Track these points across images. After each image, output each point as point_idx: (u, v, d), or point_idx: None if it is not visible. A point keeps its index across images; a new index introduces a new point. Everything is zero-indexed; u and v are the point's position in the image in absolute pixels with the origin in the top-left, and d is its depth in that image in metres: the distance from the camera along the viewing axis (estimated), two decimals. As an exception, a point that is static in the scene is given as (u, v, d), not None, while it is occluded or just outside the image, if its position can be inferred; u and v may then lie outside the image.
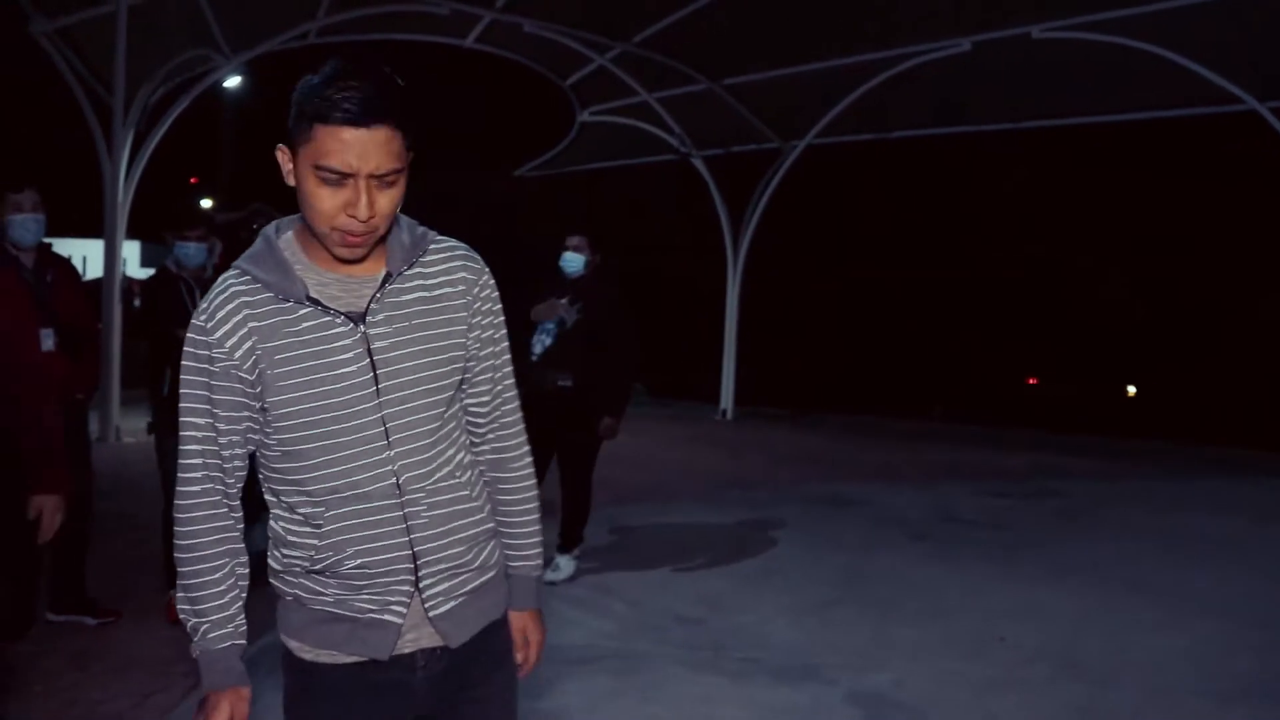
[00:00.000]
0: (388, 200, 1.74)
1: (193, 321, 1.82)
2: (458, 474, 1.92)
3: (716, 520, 8.16)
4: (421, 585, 1.86)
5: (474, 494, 1.96)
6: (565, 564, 6.22)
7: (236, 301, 1.80)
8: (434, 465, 1.87)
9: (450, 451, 1.91)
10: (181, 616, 1.89)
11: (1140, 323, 17.41)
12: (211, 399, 1.82)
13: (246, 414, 1.83)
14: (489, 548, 1.98)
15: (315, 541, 1.83)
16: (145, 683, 4.49)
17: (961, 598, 6.20)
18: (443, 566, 1.88)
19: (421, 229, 1.92)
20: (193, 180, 26.88)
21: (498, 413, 2.03)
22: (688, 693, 4.54)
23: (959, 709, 4.45)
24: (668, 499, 9.04)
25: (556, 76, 15.80)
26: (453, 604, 1.90)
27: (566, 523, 6.24)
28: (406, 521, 1.83)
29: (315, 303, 1.80)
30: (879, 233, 19.63)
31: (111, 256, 11.20)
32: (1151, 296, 17.19)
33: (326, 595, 1.86)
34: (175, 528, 1.87)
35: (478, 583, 1.95)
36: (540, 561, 2.13)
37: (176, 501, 1.87)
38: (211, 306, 1.81)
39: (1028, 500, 9.42)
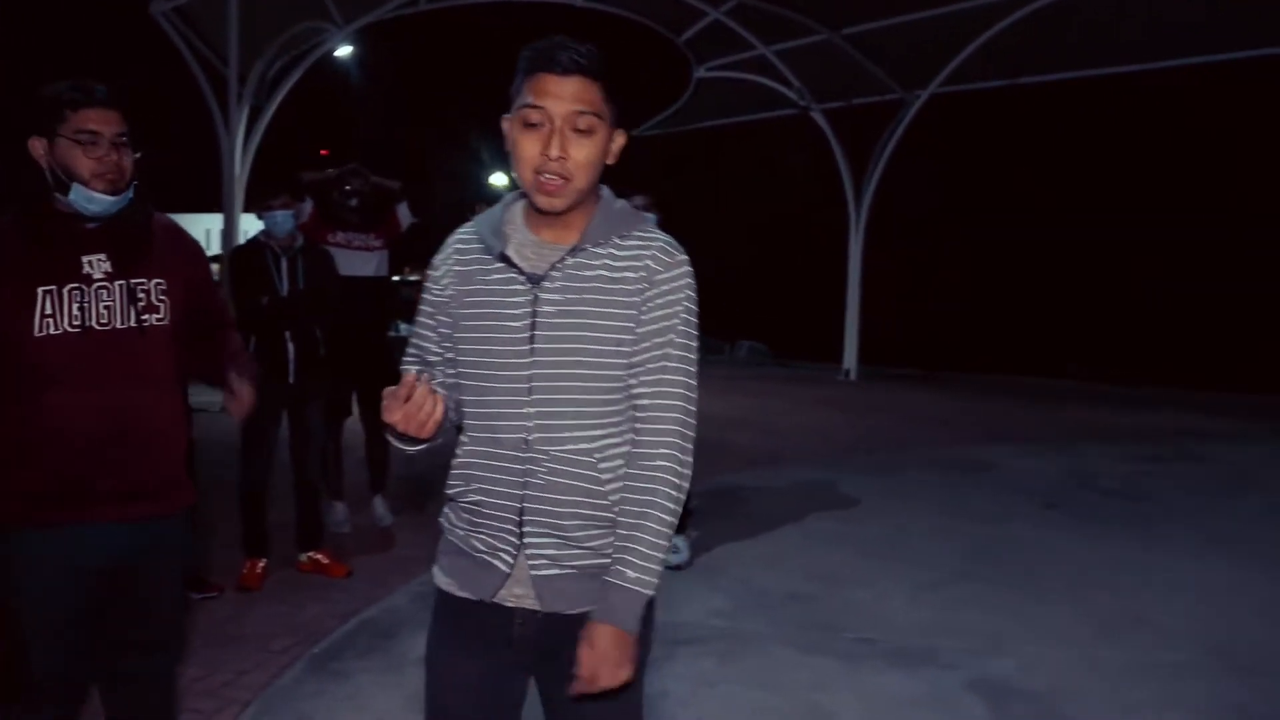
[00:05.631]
0: (581, 150, 1.89)
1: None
2: (593, 452, 1.93)
3: (837, 487, 7.83)
4: (524, 539, 1.93)
5: (604, 477, 1.94)
6: (682, 545, 5.91)
7: (451, 249, 2.06)
8: (567, 434, 1.92)
9: (590, 429, 1.94)
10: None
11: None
12: (427, 321, 2.09)
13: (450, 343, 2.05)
14: (610, 536, 1.95)
15: (457, 473, 2.01)
16: (241, 660, 4.42)
17: (1097, 573, 5.78)
18: (547, 529, 1.93)
19: (635, 214, 2.01)
20: (323, 152, 27.32)
21: (652, 409, 1.96)
22: (796, 678, 4.27)
23: (1093, 700, 4.09)
24: (786, 465, 8.74)
25: (671, 32, 15.47)
26: (556, 571, 1.94)
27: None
28: (524, 475, 1.92)
29: (506, 260, 1.96)
30: (1009, 185, 18.83)
31: (230, 230, 11.32)
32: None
33: (458, 528, 2.03)
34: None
35: (589, 563, 1.95)
36: (635, 577, 1.92)
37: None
38: (441, 253, 2.08)
39: (1169, 465, 8.88)
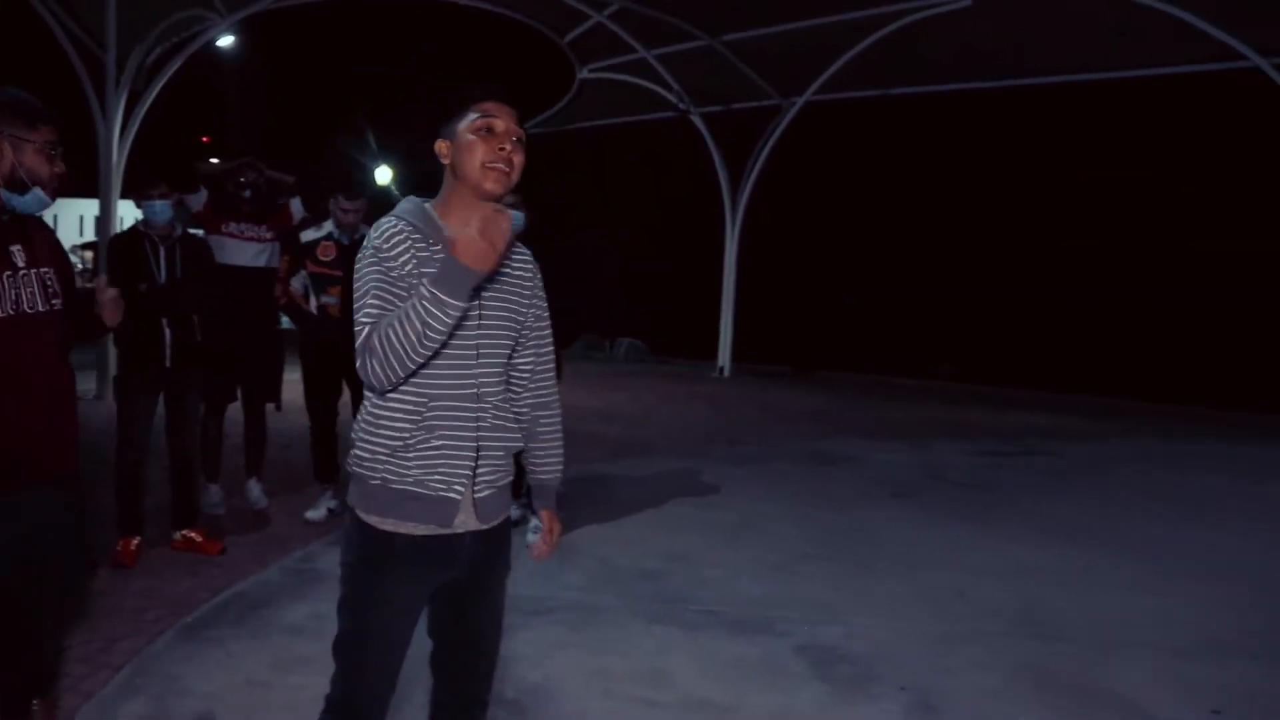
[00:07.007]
0: (519, 154, 2.41)
1: (371, 244, 2.38)
2: (508, 399, 2.58)
3: (699, 476, 8.20)
4: (478, 470, 2.46)
5: (512, 416, 2.57)
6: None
7: (403, 233, 2.38)
8: (498, 387, 2.51)
9: (503, 381, 2.55)
10: (423, 317, 2.17)
11: (1150, 279, 17.24)
12: (387, 290, 2.34)
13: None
14: (511, 459, 2.59)
15: (413, 425, 2.40)
16: (114, 629, 4.58)
17: (934, 554, 6.23)
18: (490, 459, 2.49)
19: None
20: (204, 139, 26.86)
21: (539, 375, 2.66)
22: (640, 644, 4.60)
23: (910, 663, 4.49)
24: (652, 456, 9.09)
25: (555, 34, 15.71)
26: (489, 491, 2.51)
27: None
28: (477, 421, 2.44)
29: None
30: (882, 190, 19.51)
31: (106, 216, 11.25)
32: (1163, 253, 17.04)
33: (409, 475, 2.41)
34: (370, 357, 2.26)
35: (504, 482, 2.57)
36: (558, 475, 2.76)
37: (360, 348, 2.30)
38: (386, 233, 2.38)
39: (1017, 459, 9.45)
